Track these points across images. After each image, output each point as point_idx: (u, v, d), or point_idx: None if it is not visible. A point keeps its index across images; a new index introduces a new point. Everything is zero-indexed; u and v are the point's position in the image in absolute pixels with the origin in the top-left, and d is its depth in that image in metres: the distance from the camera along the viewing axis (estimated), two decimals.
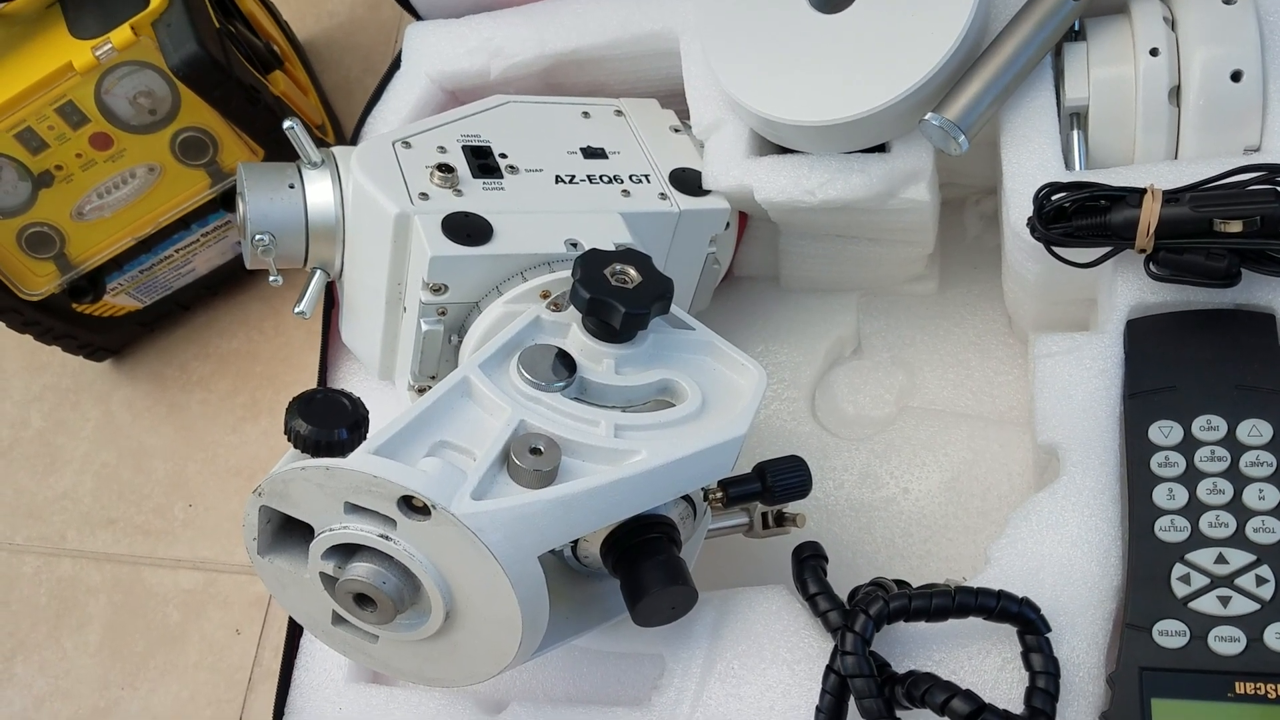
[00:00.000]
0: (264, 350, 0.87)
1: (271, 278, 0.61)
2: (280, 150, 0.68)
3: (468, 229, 0.56)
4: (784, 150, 0.62)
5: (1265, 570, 0.46)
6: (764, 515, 0.59)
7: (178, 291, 0.86)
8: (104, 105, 0.73)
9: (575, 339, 0.52)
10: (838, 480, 0.66)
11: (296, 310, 0.60)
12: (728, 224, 0.64)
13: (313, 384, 0.73)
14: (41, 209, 0.75)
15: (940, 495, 0.64)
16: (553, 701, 0.54)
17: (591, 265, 0.51)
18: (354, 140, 0.73)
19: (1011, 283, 0.61)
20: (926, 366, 0.68)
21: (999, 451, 0.64)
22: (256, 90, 0.75)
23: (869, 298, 0.70)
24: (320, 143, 0.81)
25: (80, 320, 0.83)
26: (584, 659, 0.55)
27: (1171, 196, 0.50)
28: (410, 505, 0.44)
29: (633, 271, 0.52)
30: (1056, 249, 0.54)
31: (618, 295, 0.50)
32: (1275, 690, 0.44)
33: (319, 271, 0.61)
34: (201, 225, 0.81)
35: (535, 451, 0.46)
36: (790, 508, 0.59)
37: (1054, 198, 0.53)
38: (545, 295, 0.55)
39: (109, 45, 0.70)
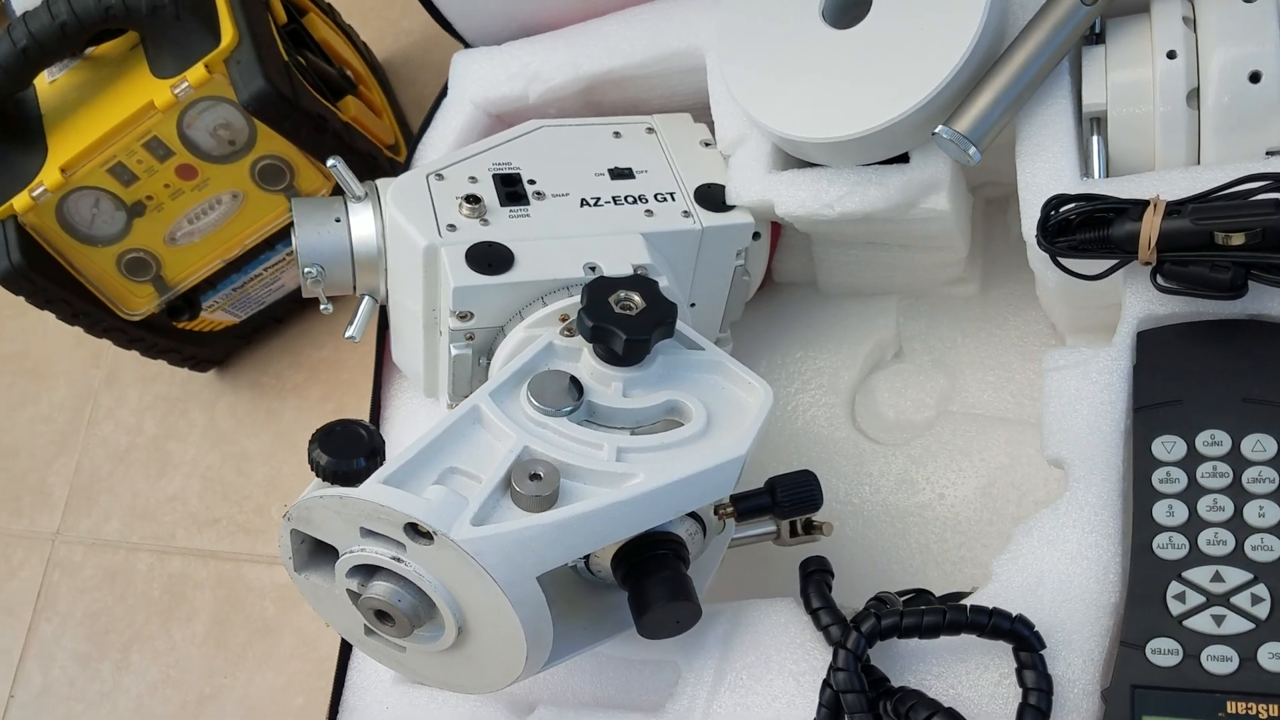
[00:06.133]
0: (350, 359, 0.91)
1: (322, 305, 0.65)
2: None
3: (490, 258, 0.58)
4: (805, 164, 0.62)
5: (1261, 589, 0.46)
6: (792, 524, 0.60)
7: (270, 306, 0.92)
8: (186, 138, 0.78)
9: (586, 363, 0.55)
10: (874, 486, 0.67)
11: (347, 335, 0.64)
12: (757, 235, 0.66)
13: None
14: (137, 236, 0.82)
15: (975, 501, 0.64)
16: (576, 706, 0.57)
17: (597, 293, 0.54)
18: (407, 165, 0.76)
19: (1040, 288, 0.61)
20: (967, 369, 0.68)
21: (1035, 456, 0.64)
22: (324, 119, 0.79)
23: (910, 301, 0.71)
24: (390, 164, 0.85)
25: (182, 336, 0.89)
26: (609, 665, 0.57)
27: (1174, 208, 0.50)
28: (416, 530, 0.47)
29: (637, 298, 0.54)
30: (1064, 260, 0.53)
31: (620, 322, 0.52)
32: (1267, 711, 0.44)
33: (367, 298, 0.65)
34: (285, 245, 0.86)
35: (535, 477, 0.49)
36: (818, 516, 0.60)
37: (1061, 209, 0.53)
38: (564, 319, 0.58)
39: (186, 84, 0.75)
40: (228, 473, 0.92)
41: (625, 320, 0.53)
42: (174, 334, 0.89)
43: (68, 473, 0.97)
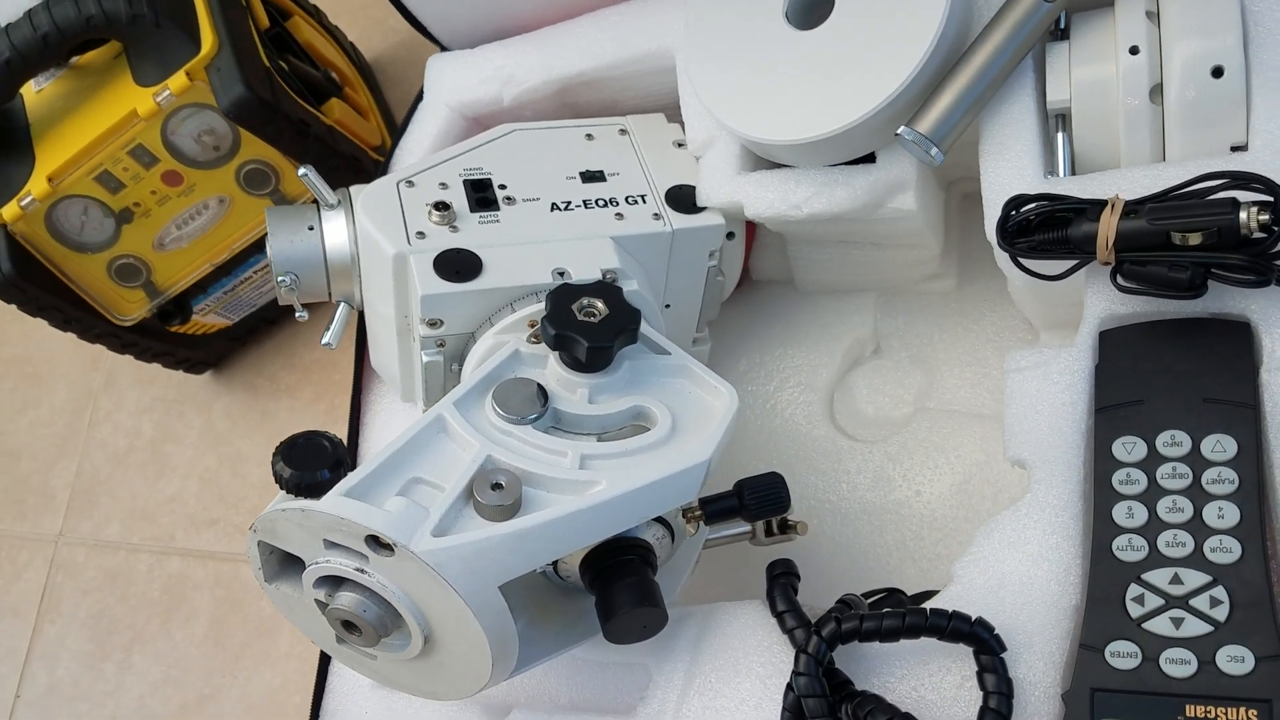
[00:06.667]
0: (342, 360, 0.92)
1: (298, 313, 0.65)
2: (335, 178, 0.72)
3: (458, 265, 0.59)
4: (774, 165, 0.62)
5: (1220, 591, 0.45)
6: (767, 524, 0.60)
7: (262, 308, 0.93)
8: (171, 145, 0.79)
9: (552, 369, 0.55)
10: (851, 483, 0.67)
11: (323, 342, 0.64)
12: (731, 235, 0.66)
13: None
14: (126, 243, 0.82)
15: (951, 498, 0.64)
16: (551, 709, 0.58)
17: (560, 300, 0.54)
18: (385, 169, 0.77)
19: (1010, 286, 0.61)
20: (945, 365, 0.68)
21: None
22: (306, 123, 0.79)
23: (887, 297, 0.70)
24: (375, 166, 0.86)
25: (175, 339, 0.90)
26: (584, 668, 0.58)
27: (1132, 208, 0.49)
28: (378, 542, 0.48)
29: (600, 304, 0.54)
30: (1025, 261, 0.53)
31: (582, 330, 0.53)
32: (1226, 714, 0.44)
33: (343, 304, 0.65)
34: None
35: (497, 487, 0.49)
36: (792, 516, 0.60)
37: (1021, 210, 0.53)
38: (532, 325, 0.58)
39: (168, 91, 0.75)
40: (224, 474, 0.93)
41: (588, 327, 0.53)
42: (167, 338, 0.90)
43: (69, 475, 0.98)
